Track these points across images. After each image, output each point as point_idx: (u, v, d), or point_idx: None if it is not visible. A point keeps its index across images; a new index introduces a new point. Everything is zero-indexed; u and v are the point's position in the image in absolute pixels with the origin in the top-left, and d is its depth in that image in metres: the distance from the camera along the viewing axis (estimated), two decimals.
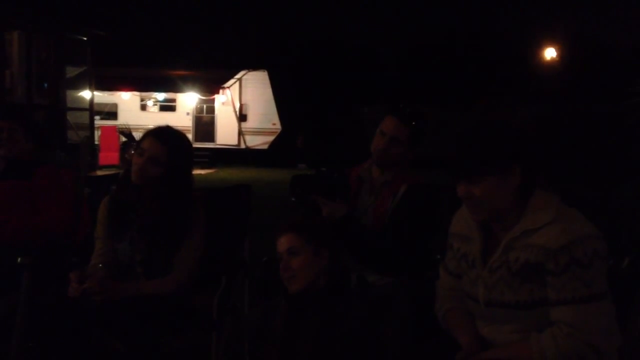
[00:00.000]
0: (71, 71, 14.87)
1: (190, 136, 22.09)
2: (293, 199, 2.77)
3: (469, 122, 2.12)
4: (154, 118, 22.15)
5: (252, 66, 22.45)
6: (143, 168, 2.64)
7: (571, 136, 19.82)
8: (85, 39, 14.67)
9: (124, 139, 14.62)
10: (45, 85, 13.71)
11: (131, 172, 2.68)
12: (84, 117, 15.21)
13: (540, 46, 25.43)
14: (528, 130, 2.03)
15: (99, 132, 17.91)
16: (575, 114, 20.98)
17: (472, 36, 30.26)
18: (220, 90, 22.20)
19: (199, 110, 22.88)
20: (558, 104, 22.08)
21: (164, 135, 2.72)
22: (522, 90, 25.78)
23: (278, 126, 21.99)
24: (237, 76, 22.22)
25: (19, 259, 2.75)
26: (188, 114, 22.49)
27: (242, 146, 22.44)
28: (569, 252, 1.85)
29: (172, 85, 21.98)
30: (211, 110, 22.78)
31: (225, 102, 22.41)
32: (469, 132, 2.03)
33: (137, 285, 2.64)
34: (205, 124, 22.83)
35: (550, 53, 24.76)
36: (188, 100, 22.36)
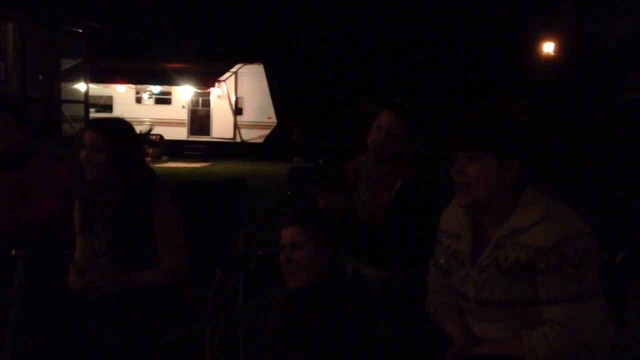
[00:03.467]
0: (66, 63, 14.81)
1: (185, 129, 22.12)
2: (289, 193, 2.76)
3: (469, 115, 2.12)
4: (149, 111, 22.14)
5: (248, 59, 22.39)
6: (89, 159, 2.67)
7: (567, 131, 19.88)
8: (80, 31, 14.63)
9: None
10: (40, 77, 13.66)
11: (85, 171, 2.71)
12: (79, 110, 15.17)
13: (538, 41, 25.41)
14: (528, 127, 2.03)
15: None
16: (571, 109, 21.03)
17: (470, 30, 30.22)
18: (216, 84, 22.15)
19: (195, 104, 22.82)
20: (555, 99, 22.12)
21: (98, 123, 2.80)
22: (520, 85, 25.79)
23: (274, 120, 21.95)
24: (233, 69, 22.15)
25: (13, 252, 2.74)
26: (183, 107, 22.44)
27: (238, 140, 22.40)
28: (559, 250, 1.83)
29: (167, 78, 21.91)
30: (207, 103, 22.73)
31: (220, 95, 22.36)
32: (480, 113, 2.04)
33: (135, 277, 2.64)
34: (200, 117, 22.77)
35: (548, 48, 24.73)
36: (183, 93, 22.31)
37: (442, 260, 2.20)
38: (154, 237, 2.69)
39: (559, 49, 24.35)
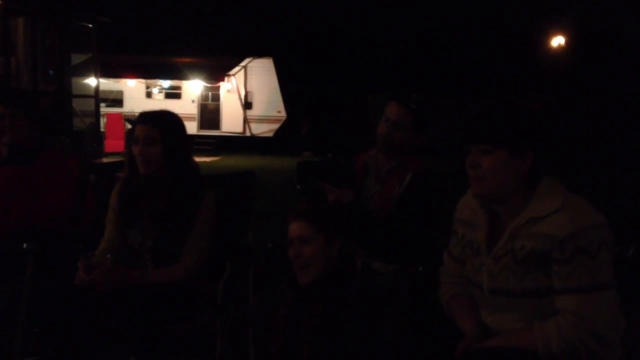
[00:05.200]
0: (77, 58, 14.84)
1: (195, 124, 22.16)
2: (298, 187, 2.76)
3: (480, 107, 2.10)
4: (160, 105, 22.16)
5: (258, 53, 22.40)
6: (144, 153, 2.66)
7: (577, 125, 19.77)
8: (90, 25, 14.65)
9: (129, 126, 14.59)
10: (51, 72, 13.69)
11: (138, 164, 2.70)
12: (90, 104, 15.20)
13: (547, 34, 25.26)
14: (541, 118, 2.02)
15: (105, 120, 17.93)
16: (581, 103, 20.91)
17: (479, 24, 30.07)
18: (226, 78, 22.18)
19: (204, 98, 22.87)
20: (565, 93, 22.00)
21: (150, 117, 2.75)
22: (529, 79, 25.67)
23: (283, 114, 21.96)
24: (243, 63, 22.17)
25: (24, 245, 2.76)
26: (193, 101, 22.48)
27: (247, 134, 22.44)
28: (575, 240, 1.84)
29: (177, 72, 21.97)
30: (216, 97, 22.76)
31: (230, 89, 22.39)
32: (493, 105, 2.02)
33: (145, 274, 2.64)
34: (210, 112, 22.82)
35: (557, 41, 24.59)
36: (193, 88, 22.35)
37: (456, 251, 2.19)
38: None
39: (569, 42, 24.21)
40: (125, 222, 2.78)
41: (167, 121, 2.75)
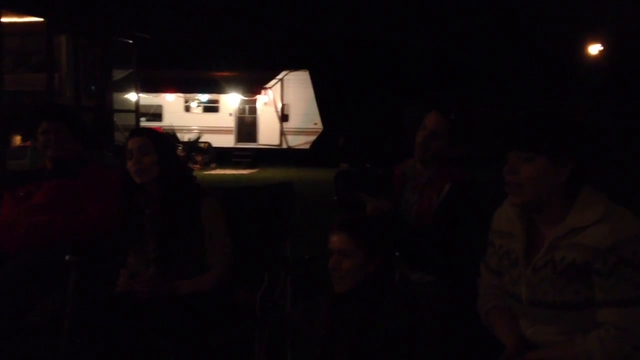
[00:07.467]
0: (118, 74, 15.13)
1: (232, 137, 22.40)
2: (335, 198, 2.76)
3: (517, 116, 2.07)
4: (198, 119, 22.49)
5: (294, 66, 22.54)
6: (138, 162, 2.72)
7: (617, 134, 19.37)
8: (131, 42, 14.94)
9: None
10: (93, 87, 13.98)
11: (133, 176, 2.75)
12: (130, 119, 15.46)
13: (585, 41, 24.88)
14: (584, 128, 1.98)
15: None
16: (620, 111, 20.51)
17: (514, 31, 29.75)
18: (262, 91, 22.36)
19: (242, 111, 23.08)
20: (603, 101, 21.61)
21: (140, 130, 2.99)
22: (567, 87, 25.28)
23: (319, 126, 22.02)
24: (279, 76, 22.34)
25: (67, 257, 2.81)
26: (231, 114, 22.72)
27: (284, 146, 22.55)
28: (617, 252, 1.80)
29: (215, 86, 22.25)
30: (253, 110, 22.96)
31: (267, 102, 22.56)
32: (536, 112, 1.99)
33: (180, 284, 2.67)
34: (247, 125, 23.02)
35: (595, 49, 24.21)
36: (231, 101, 22.59)
37: (493, 262, 2.16)
38: (202, 243, 2.73)
39: (606, 50, 23.78)
40: (135, 239, 2.81)
41: (157, 132, 2.95)
